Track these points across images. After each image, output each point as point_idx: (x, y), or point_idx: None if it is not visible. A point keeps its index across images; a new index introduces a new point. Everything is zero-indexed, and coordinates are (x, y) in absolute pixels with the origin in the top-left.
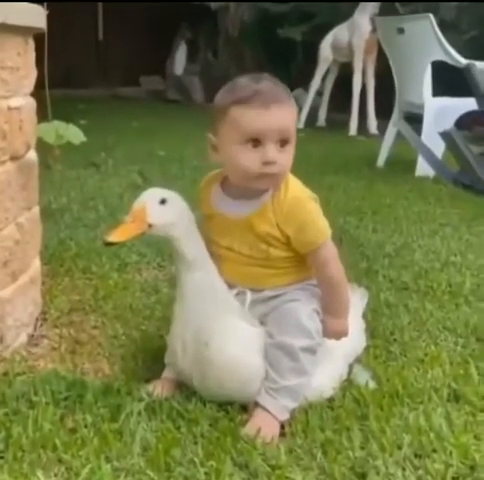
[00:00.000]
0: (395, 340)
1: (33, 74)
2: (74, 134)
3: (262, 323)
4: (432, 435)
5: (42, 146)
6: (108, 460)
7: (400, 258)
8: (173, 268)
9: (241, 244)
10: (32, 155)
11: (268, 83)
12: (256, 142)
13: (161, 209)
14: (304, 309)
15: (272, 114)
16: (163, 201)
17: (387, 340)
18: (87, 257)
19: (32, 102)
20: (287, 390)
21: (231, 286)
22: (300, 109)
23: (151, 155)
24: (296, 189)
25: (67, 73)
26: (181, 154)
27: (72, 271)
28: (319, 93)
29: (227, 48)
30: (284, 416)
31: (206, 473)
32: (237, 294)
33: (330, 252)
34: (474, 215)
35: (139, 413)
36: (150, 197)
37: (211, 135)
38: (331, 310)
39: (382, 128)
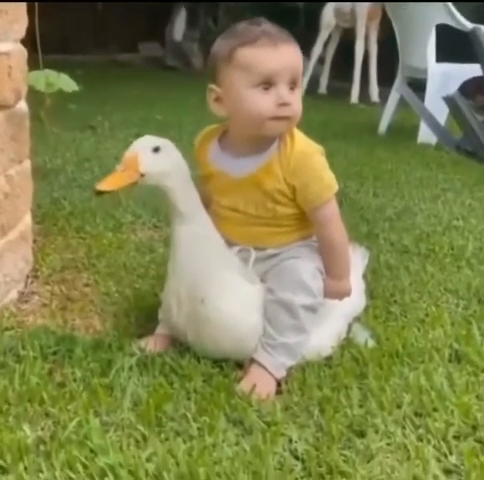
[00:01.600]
0: (395, 301)
1: (23, 20)
2: (66, 82)
3: (263, 281)
4: (433, 394)
5: (33, 99)
6: (97, 414)
7: (401, 222)
8: (169, 229)
9: (246, 203)
10: (23, 106)
11: (270, 25)
12: (268, 84)
13: (154, 157)
14: (306, 266)
15: (283, 53)
16: (156, 149)
17: (387, 301)
18: (81, 217)
19: (23, 50)
20: (285, 347)
21: (232, 244)
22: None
23: (148, 119)
24: (302, 142)
25: (65, 39)
26: (179, 119)
27: (65, 230)
28: (321, 60)
29: (227, 15)
30: (281, 373)
31: (199, 428)
32: (239, 251)
33: (332, 210)
34: (477, 181)
35: (130, 368)
36: (142, 145)
37: (213, 86)
38: (332, 271)
39: (384, 96)
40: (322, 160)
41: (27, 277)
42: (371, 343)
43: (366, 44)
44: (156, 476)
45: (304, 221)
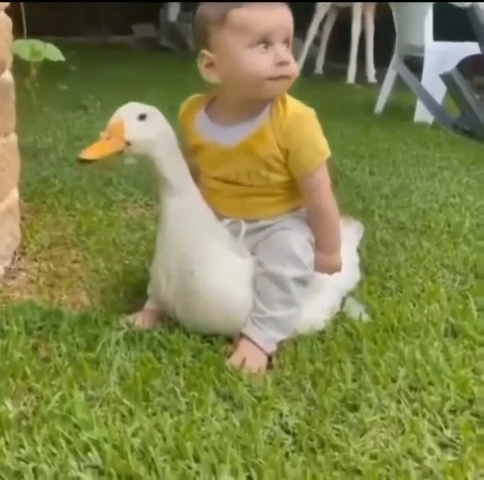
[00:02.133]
0: (391, 276)
1: None
2: (51, 52)
3: (253, 253)
4: (429, 368)
5: (19, 70)
6: (82, 389)
7: (397, 199)
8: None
9: (239, 173)
10: (8, 77)
11: None
12: (265, 44)
13: (140, 125)
14: (297, 238)
15: (277, 12)
16: (142, 116)
17: (382, 276)
18: (71, 194)
19: (6, 18)
20: (274, 321)
21: (222, 217)
22: (296, 57)
23: (141, 100)
24: (294, 105)
25: (58, 20)
26: (173, 100)
27: (55, 208)
28: (316, 41)
29: None
30: (271, 348)
31: (187, 403)
32: (230, 224)
33: (323, 178)
34: (474, 159)
35: (117, 343)
36: (128, 112)
37: (205, 51)
38: (322, 244)
39: (381, 77)
40: (315, 123)
41: (14, 253)
42: (365, 317)
43: (363, 24)
44: (142, 451)
45: (296, 190)
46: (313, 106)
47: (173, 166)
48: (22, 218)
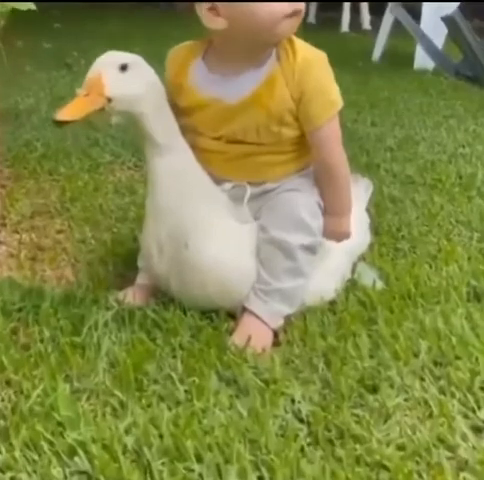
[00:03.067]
0: (403, 236)
1: None
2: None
3: (257, 218)
4: (454, 339)
5: None
6: (67, 380)
7: (403, 151)
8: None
9: (246, 130)
10: None
11: None
12: None
13: (122, 77)
14: (305, 201)
15: None
16: (124, 67)
17: (394, 236)
18: (55, 158)
19: None
20: (280, 293)
21: (223, 181)
22: None
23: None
24: (304, 48)
25: None
26: (160, 53)
27: (37, 173)
28: None
29: None
30: (277, 322)
31: (186, 391)
32: (232, 188)
33: (334, 132)
34: (479, 106)
35: (106, 324)
36: (107, 62)
37: None
38: (331, 206)
39: (376, 24)
40: (327, 68)
41: None
42: (379, 284)
43: None
44: (136, 451)
45: (306, 146)
46: None
47: (161, 123)
48: (2, 186)
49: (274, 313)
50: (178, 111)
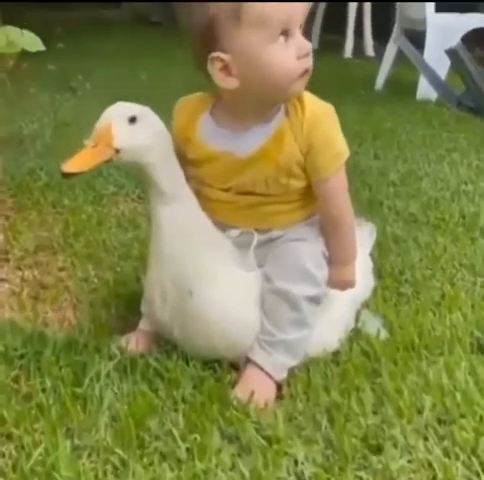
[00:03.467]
0: (406, 280)
1: None
2: (30, 41)
3: (261, 266)
4: (458, 396)
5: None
6: (68, 435)
7: (406, 187)
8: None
9: (255, 182)
10: None
11: None
12: (285, 35)
13: (130, 129)
14: (311, 250)
15: None
16: (132, 119)
17: (397, 280)
18: (58, 189)
19: None
20: (285, 344)
21: (230, 228)
22: None
23: (133, 79)
24: (312, 103)
25: None
26: (164, 77)
27: (41, 204)
28: (312, 13)
29: None
30: (281, 375)
31: (188, 449)
32: (240, 235)
33: (341, 183)
34: (482, 139)
35: (108, 374)
36: (116, 114)
37: (218, 53)
38: (335, 255)
39: (378, 50)
40: (334, 120)
41: None
42: (383, 333)
43: None
44: None
45: (312, 195)
46: (310, 81)
47: (167, 172)
48: (6, 217)
49: (278, 365)
50: (185, 161)
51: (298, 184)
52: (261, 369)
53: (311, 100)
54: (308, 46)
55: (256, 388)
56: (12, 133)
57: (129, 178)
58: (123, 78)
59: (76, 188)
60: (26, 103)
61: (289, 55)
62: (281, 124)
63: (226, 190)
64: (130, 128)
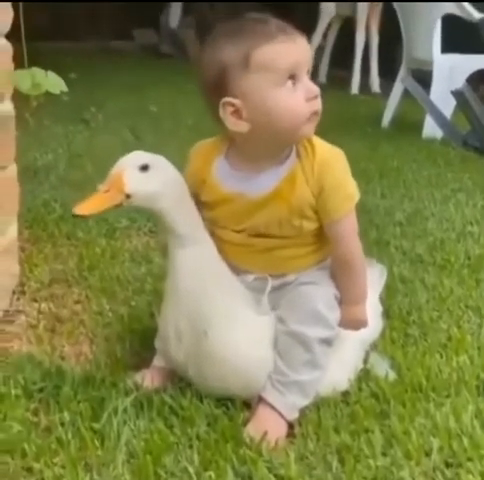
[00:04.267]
0: (413, 321)
1: (8, 12)
2: (54, 83)
3: (275, 309)
4: (465, 440)
5: (20, 99)
6: (87, 469)
7: (412, 227)
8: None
9: (268, 224)
10: (7, 107)
11: (273, 19)
12: (293, 79)
13: (142, 176)
14: (323, 294)
15: (300, 44)
16: (144, 167)
17: (404, 321)
18: (72, 221)
19: (7, 45)
20: (298, 385)
21: (245, 273)
22: None
23: (143, 111)
24: (323, 147)
25: (57, 25)
26: (175, 110)
27: (55, 237)
28: (320, 48)
29: (224, 1)
30: (293, 415)
31: None
32: (254, 280)
33: (352, 225)
34: None
35: (125, 410)
36: (129, 162)
37: (228, 98)
38: (347, 296)
39: (385, 87)
40: (344, 164)
41: (13, 293)
42: (391, 375)
43: (367, 34)
44: None
45: (325, 238)
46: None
47: (183, 215)
48: (22, 248)
49: (290, 405)
50: (200, 204)
51: (310, 226)
52: (273, 408)
53: (322, 144)
54: (315, 89)
55: (268, 427)
56: (27, 165)
57: (141, 212)
58: (134, 109)
59: (90, 221)
60: (40, 134)
61: (297, 98)
62: (293, 166)
63: (239, 231)
64: (141, 175)
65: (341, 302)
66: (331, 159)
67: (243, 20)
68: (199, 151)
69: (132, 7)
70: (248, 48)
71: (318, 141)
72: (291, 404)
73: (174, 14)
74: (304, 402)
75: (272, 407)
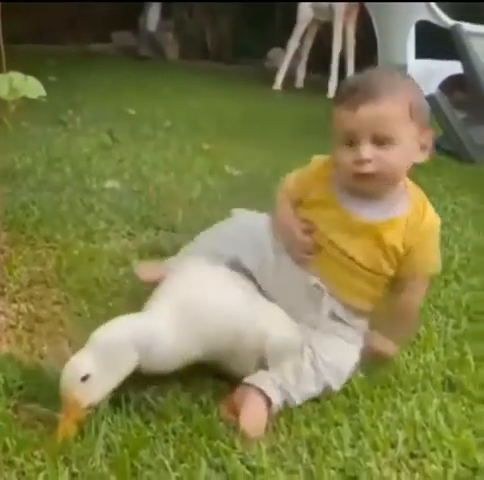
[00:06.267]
0: None
1: None
2: (32, 88)
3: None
4: (429, 431)
5: None
6: (67, 463)
7: None
8: (144, 237)
9: (357, 250)
10: None
11: (369, 77)
12: (351, 142)
13: (87, 385)
14: (352, 357)
15: (360, 114)
16: (85, 378)
17: None
18: (51, 224)
19: None
20: (300, 393)
21: (310, 275)
22: (278, 69)
23: (121, 113)
24: (432, 214)
25: (37, 29)
26: (153, 113)
27: (34, 239)
28: (298, 53)
29: (202, 4)
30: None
31: (177, 478)
32: (314, 286)
33: (423, 287)
34: (459, 184)
35: (103, 406)
36: (70, 382)
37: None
38: (392, 334)
39: None
40: (438, 235)
41: None
42: (361, 372)
43: (343, 38)
44: None
45: (384, 291)
46: (295, 121)
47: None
48: (0, 251)
49: (280, 404)
50: (301, 204)
51: (388, 271)
52: (268, 405)
53: (432, 211)
54: (362, 156)
55: (256, 419)
56: (5, 167)
57: (119, 214)
58: (112, 112)
59: (68, 224)
60: (19, 137)
61: (346, 157)
62: (401, 215)
63: (330, 242)
64: (86, 385)
65: (383, 334)
66: (435, 227)
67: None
68: (322, 164)
69: (111, 10)
70: (334, 102)
71: (430, 207)
72: (281, 402)
73: (152, 17)
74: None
75: (267, 400)
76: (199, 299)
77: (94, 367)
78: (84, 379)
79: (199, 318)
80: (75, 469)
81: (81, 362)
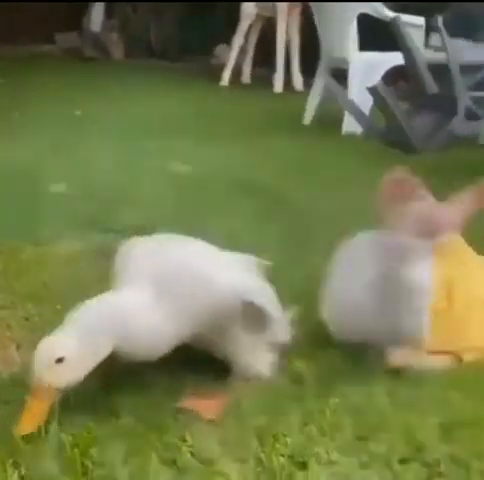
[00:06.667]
0: None
1: None
2: None
3: None
4: (374, 414)
5: None
6: (16, 466)
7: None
8: (92, 239)
9: None
10: None
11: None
12: None
13: (61, 368)
14: None
15: None
16: (60, 359)
17: None
18: None
19: None
20: None
21: None
22: (224, 66)
23: (68, 115)
24: None
25: None
26: (99, 114)
27: None
28: (243, 49)
29: (146, 2)
30: None
31: (129, 473)
32: None
33: None
34: None
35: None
36: (42, 362)
37: None
38: None
39: (308, 85)
40: None
41: None
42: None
43: (287, 33)
44: None
45: None
46: (241, 117)
47: None
48: None
49: None
50: None
51: None
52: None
53: None
54: None
55: None
56: None
57: (66, 217)
58: (58, 113)
59: (15, 228)
60: None
61: None
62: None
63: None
64: (60, 367)
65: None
66: None
67: None
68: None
69: (53, 11)
70: None
71: None
72: None
73: (96, 17)
74: None
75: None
76: (172, 270)
77: (72, 349)
78: (59, 361)
79: (175, 287)
80: (24, 471)
81: (58, 342)
